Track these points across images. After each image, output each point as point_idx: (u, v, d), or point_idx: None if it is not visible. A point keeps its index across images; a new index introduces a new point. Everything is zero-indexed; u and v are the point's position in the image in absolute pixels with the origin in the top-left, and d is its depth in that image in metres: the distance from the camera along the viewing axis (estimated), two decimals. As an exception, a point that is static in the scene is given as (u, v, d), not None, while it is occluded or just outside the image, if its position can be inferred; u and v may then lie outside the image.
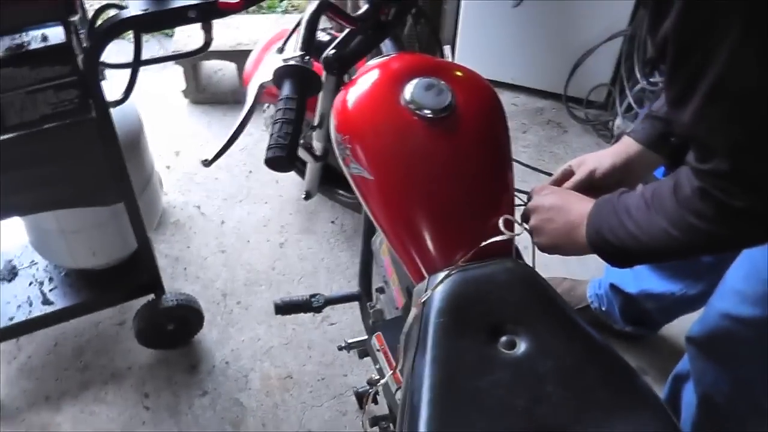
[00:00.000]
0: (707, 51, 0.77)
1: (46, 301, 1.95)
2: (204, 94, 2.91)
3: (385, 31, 1.38)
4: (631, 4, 2.67)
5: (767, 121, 0.79)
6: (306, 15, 1.17)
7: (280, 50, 1.22)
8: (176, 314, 2.01)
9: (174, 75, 2.91)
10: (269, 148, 0.99)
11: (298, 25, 1.19)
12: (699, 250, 1.04)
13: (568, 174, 1.32)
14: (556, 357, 1.07)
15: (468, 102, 1.27)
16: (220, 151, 1.23)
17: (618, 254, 1.05)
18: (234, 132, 1.23)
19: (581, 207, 1.11)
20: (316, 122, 1.47)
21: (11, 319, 1.90)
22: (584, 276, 2.15)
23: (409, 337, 1.17)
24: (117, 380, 2.02)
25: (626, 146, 1.29)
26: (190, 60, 2.72)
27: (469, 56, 2.91)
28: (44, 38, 1.50)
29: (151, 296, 1.98)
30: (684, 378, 1.56)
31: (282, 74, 1.04)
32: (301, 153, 1.46)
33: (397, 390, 1.33)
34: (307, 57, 1.07)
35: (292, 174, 2.57)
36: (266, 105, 2.30)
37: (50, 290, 1.98)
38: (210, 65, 2.99)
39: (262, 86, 1.17)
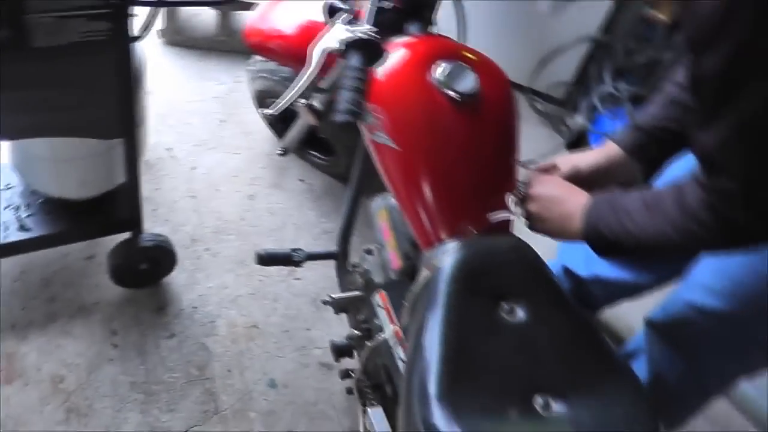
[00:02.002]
0: (742, 92, 0.89)
1: (22, 227, 1.92)
2: (180, 36, 2.90)
3: (418, 12, 1.46)
4: (603, 12, 2.82)
5: None
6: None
7: (349, 22, 1.27)
8: (152, 254, 2.04)
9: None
10: (341, 111, 1.06)
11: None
12: (689, 250, 1.19)
13: (552, 168, 1.45)
14: (550, 326, 1.21)
15: (490, 89, 1.37)
16: (281, 105, 1.28)
17: (609, 247, 1.19)
18: (295, 92, 1.28)
19: (577, 199, 1.24)
20: (325, 85, 1.53)
21: (-16, 241, 1.88)
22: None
23: (419, 298, 1.27)
24: (84, 314, 2.03)
25: (610, 151, 1.44)
26: None
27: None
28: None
29: (128, 234, 2.00)
30: (633, 356, 1.71)
31: (353, 45, 1.11)
32: (302, 111, 1.52)
33: (396, 345, 1.43)
34: (376, 32, 1.14)
35: (264, 128, 2.62)
36: (251, 59, 2.33)
37: (26, 216, 1.95)
38: (189, 9, 2.97)
39: (325, 51, 1.23)
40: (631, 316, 2.13)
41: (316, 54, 1.24)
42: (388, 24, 1.43)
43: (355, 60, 1.09)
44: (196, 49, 2.92)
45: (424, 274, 1.29)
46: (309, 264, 2.20)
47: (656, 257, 1.44)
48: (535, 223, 1.32)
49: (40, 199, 2.00)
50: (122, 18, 1.48)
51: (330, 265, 1.95)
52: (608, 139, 1.47)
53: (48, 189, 1.97)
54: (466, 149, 1.34)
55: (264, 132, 2.64)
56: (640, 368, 1.70)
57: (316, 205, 2.48)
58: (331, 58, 1.26)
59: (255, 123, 2.65)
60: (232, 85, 2.78)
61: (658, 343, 1.60)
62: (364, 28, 1.14)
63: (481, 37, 2.99)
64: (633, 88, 2.69)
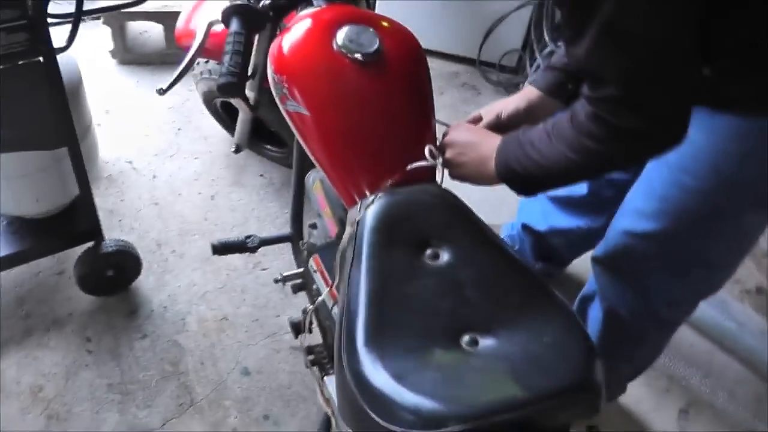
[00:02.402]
0: None
1: (-12, 249, 2.00)
2: (131, 55, 2.96)
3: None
4: (540, -26, 2.87)
5: (650, 53, 0.97)
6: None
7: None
8: (115, 260, 2.09)
9: (101, 36, 2.95)
10: (222, 75, 1.11)
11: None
12: (594, 170, 1.22)
13: (478, 119, 1.50)
14: (475, 266, 1.23)
15: (393, 47, 1.42)
16: (173, 80, 1.33)
17: (524, 183, 1.24)
18: (185, 63, 1.34)
19: (490, 142, 1.29)
20: (249, 72, 1.57)
21: (-47, 266, 1.94)
22: (498, 221, 2.34)
23: (345, 254, 1.31)
24: (59, 326, 2.09)
25: (528, 93, 1.49)
26: (117, 19, 2.77)
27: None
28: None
29: (91, 243, 2.05)
30: (589, 298, 1.75)
31: (230, 12, 1.16)
32: (235, 102, 1.56)
33: (333, 306, 1.47)
34: (253, -1, 1.19)
35: (221, 131, 2.67)
36: (196, 62, 2.38)
37: (-8, 239, 2.03)
38: (136, 26, 3.04)
39: (210, 24, 1.28)
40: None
41: (200, 27, 1.29)
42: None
43: (234, 25, 1.14)
44: (147, 65, 2.98)
45: (347, 231, 1.33)
46: (274, 253, 2.28)
47: (568, 183, 1.47)
48: (453, 169, 1.36)
49: (4, 222, 2.06)
50: (39, 29, 1.53)
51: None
52: (527, 82, 1.52)
53: (7, 208, 2.04)
54: (375, 106, 1.38)
55: (221, 135, 2.70)
56: (595, 309, 1.73)
57: (277, 197, 2.54)
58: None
59: (211, 127, 2.71)
60: (186, 95, 2.85)
61: (606, 276, 1.64)
62: (241, -5, 1.19)
63: (426, 17, 3.06)
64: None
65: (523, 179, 1.23)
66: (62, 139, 1.78)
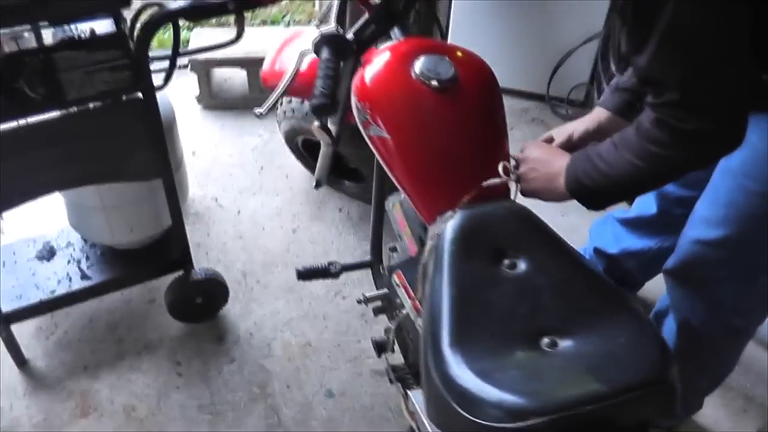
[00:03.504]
0: (657, 8, 1.01)
1: (84, 276, 2.14)
2: (216, 100, 3.14)
3: (395, 19, 1.62)
4: (605, 7, 2.93)
5: (708, 57, 1.04)
6: (338, -3, 1.41)
7: (317, 26, 1.44)
8: (204, 287, 2.21)
9: (188, 83, 3.14)
10: (314, 96, 1.21)
11: (329, 6, 1.42)
12: (659, 176, 1.27)
13: (550, 140, 1.57)
14: (550, 274, 1.30)
15: (468, 74, 1.51)
16: (270, 104, 1.44)
17: (593, 195, 1.30)
18: (281, 88, 1.44)
19: (561, 160, 1.36)
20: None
21: (53, 292, 2.09)
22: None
23: (426, 267, 1.39)
24: (150, 351, 2.21)
25: (598, 114, 1.57)
26: (203, 66, 2.96)
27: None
28: (92, 30, 1.73)
29: (181, 272, 2.18)
30: (663, 313, 1.77)
31: (321, 42, 1.27)
32: (318, 134, 1.66)
33: (416, 318, 1.54)
34: (341, 28, 1.30)
35: (301, 169, 2.80)
36: (279, 102, 2.52)
37: (88, 267, 2.17)
38: (221, 73, 3.22)
39: (302, 53, 1.39)
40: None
41: (293, 56, 1.40)
42: (371, 34, 1.60)
43: (324, 53, 1.25)
44: (231, 110, 3.15)
45: (428, 245, 1.40)
46: (353, 283, 2.37)
47: (635, 193, 1.51)
48: (525, 184, 1.43)
49: (99, 251, 2.22)
50: (141, 68, 1.68)
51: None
52: (596, 104, 1.59)
53: (103, 238, 2.18)
54: (452, 128, 1.47)
55: (301, 172, 2.83)
56: (669, 322, 1.75)
57: (355, 231, 2.63)
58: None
59: (292, 167, 2.84)
60: (267, 137, 3.00)
61: (678, 287, 1.67)
62: (329, 27, 1.30)
63: (495, 55, 3.15)
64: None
65: (592, 191, 1.29)
66: (158, 171, 1.91)
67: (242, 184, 2.82)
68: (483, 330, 1.22)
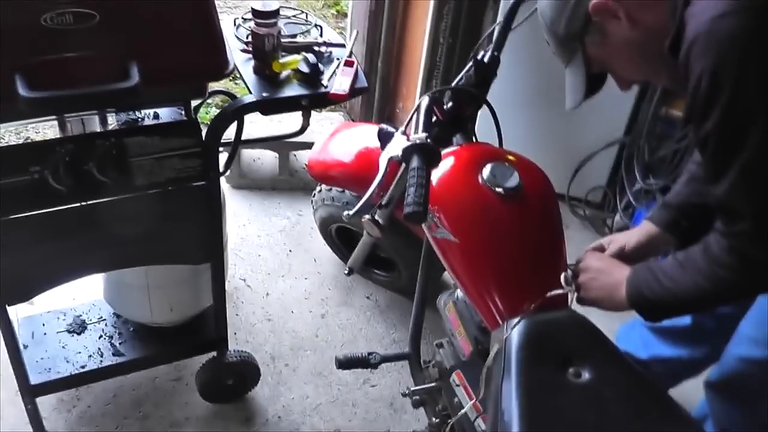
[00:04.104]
0: (738, 144, 1.10)
1: (117, 353, 2.13)
2: (244, 180, 3.20)
3: (460, 126, 1.71)
4: (626, 116, 3.07)
5: None
6: (423, 105, 1.48)
7: (404, 133, 1.52)
8: (238, 369, 2.22)
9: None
10: (408, 204, 1.27)
11: (416, 110, 1.49)
12: (723, 297, 1.34)
13: (600, 249, 1.64)
14: (615, 384, 1.36)
15: (530, 183, 1.58)
16: (359, 208, 1.49)
17: (653, 308, 1.36)
18: (370, 193, 1.49)
19: (621, 271, 1.43)
20: (385, 201, 1.73)
21: (83, 366, 2.08)
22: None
23: (492, 370, 1.43)
24: (176, 428, 2.20)
25: (648, 228, 1.64)
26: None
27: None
28: (156, 115, 1.80)
29: (213, 353, 2.20)
30: (701, 421, 1.81)
31: (411, 150, 1.33)
32: (367, 226, 1.72)
33: (476, 417, 1.57)
34: (429, 138, 1.37)
35: (329, 253, 2.85)
36: (319, 189, 2.59)
37: (120, 343, 2.17)
38: (250, 153, 3.29)
39: (390, 158, 1.46)
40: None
41: (383, 161, 1.47)
42: (437, 138, 1.68)
43: (416, 161, 1.31)
44: (260, 190, 3.21)
45: (494, 348, 1.45)
46: (382, 372, 2.39)
47: (699, 310, 1.56)
48: (585, 293, 1.49)
49: (132, 327, 2.22)
50: (211, 155, 1.74)
51: (402, 371, 2.11)
52: (645, 219, 1.67)
53: (142, 316, 2.19)
54: (517, 236, 1.54)
55: (329, 257, 2.87)
56: (708, 429, 1.79)
57: (383, 318, 2.67)
58: (390, 175, 1.48)
59: (320, 250, 2.89)
60: (295, 219, 3.06)
61: (720, 401, 1.71)
62: (420, 135, 1.37)
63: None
64: (662, 181, 2.88)
65: (653, 305, 1.35)
66: (209, 256, 1.95)
67: (270, 266, 2.86)
68: (554, 434, 1.27)
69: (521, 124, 3.18)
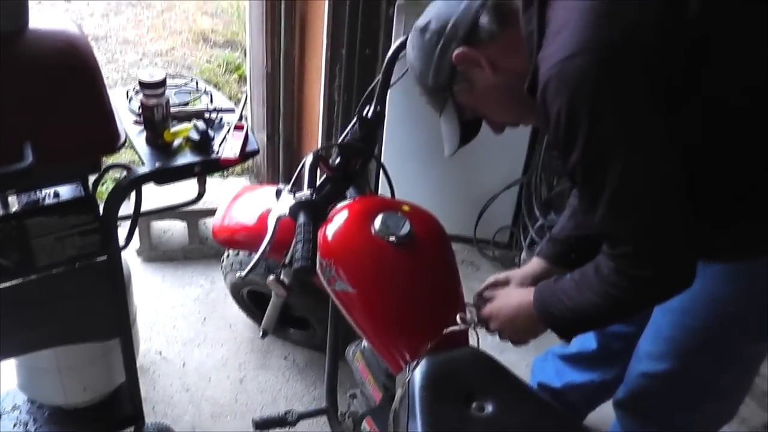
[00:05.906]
0: (604, 174, 1.18)
1: (33, 441, 2.09)
2: (156, 252, 3.18)
3: (351, 180, 1.77)
4: (523, 157, 3.21)
5: (651, 216, 1.20)
6: (308, 163, 1.54)
7: (291, 192, 1.56)
8: (156, 442, 2.19)
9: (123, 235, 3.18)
10: (297, 260, 1.31)
11: (300, 169, 1.55)
12: (619, 314, 1.42)
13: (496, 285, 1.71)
14: (518, 415, 1.42)
15: (421, 229, 1.66)
16: (249, 269, 1.53)
17: (562, 326, 1.43)
18: (260, 253, 1.53)
19: (526, 293, 1.50)
20: (287, 260, 1.77)
21: (0, 458, 2.04)
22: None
23: (398, 413, 1.47)
24: None
25: (538, 263, 1.72)
26: (144, 220, 3.02)
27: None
28: (56, 194, 1.80)
29: (131, 428, 2.16)
30: (612, 441, 1.89)
31: (298, 208, 1.38)
32: (273, 287, 1.75)
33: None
34: (314, 194, 1.42)
35: (244, 318, 2.86)
36: (226, 255, 2.60)
37: (35, 429, 2.12)
38: (159, 225, 3.28)
39: (279, 218, 1.50)
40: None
41: (271, 221, 1.52)
42: (330, 193, 1.74)
43: (302, 218, 1.36)
44: (172, 261, 3.19)
45: (399, 392, 1.49)
46: (304, 429, 2.38)
47: (602, 326, 1.63)
48: (496, 321, 1.56)
49: (47, 412, 2.17)
50: (109, 230, 1.74)
51: (324, 426, 2.12)
52: (535, 254, 1.75)
53: (55, 399, 2.15)
54: (412, 281, 1.60)
55: (244, 322, 2.87)
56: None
57: (302, 377, 2.67)
58: (281, 233, 1.53)
59: (235, 315, 2.89)
60: (209, 287, 3.05)
61: (629, 419, 1.79)
62: (305, 192, 1.42)
63: (424, 201, 3.35)
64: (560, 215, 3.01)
65: (560, 322, 1.42)
66: (117, 331, 1.94)
67: (186, 336, 2.83)
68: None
69: (421, 175, 3.29)
